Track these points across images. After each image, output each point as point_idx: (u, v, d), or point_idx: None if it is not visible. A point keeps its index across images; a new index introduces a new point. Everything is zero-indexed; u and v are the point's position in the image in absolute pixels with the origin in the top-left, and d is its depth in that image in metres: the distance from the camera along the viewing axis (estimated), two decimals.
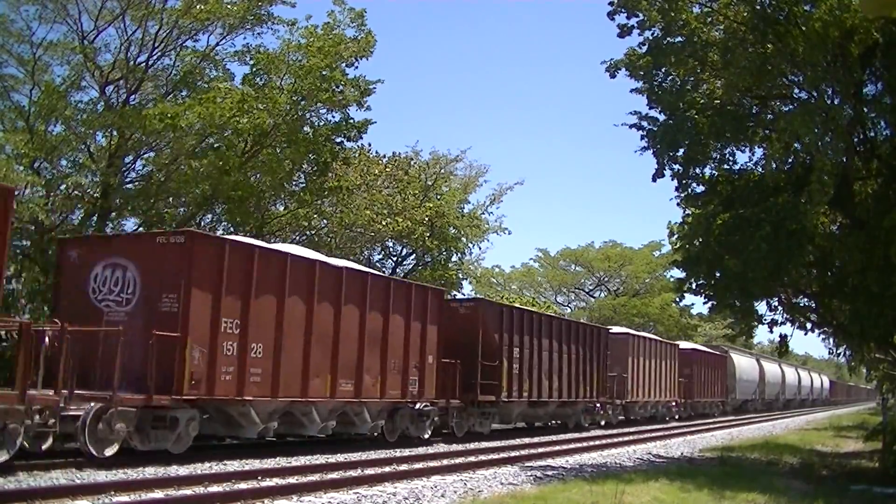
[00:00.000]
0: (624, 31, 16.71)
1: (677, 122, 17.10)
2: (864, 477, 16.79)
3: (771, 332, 20.60)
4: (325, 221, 28.58)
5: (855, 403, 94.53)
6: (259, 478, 11.79)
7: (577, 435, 24.36)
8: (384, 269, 32.47)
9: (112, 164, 22.36)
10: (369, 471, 13.23)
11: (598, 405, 28.59)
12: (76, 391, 12.05)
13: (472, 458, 15.98)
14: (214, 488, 10.71)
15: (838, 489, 14.52)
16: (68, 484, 10.23)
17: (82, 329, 12.77)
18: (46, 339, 12.44)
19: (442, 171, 34.47)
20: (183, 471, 12.00)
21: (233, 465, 13.04)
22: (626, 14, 16.57)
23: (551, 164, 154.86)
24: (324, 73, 23.50)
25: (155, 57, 23.30)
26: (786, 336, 21.10)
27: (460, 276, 35.09)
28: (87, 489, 9.87)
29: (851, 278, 16.66)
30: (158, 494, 10.06)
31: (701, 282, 18.67)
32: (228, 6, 23.01)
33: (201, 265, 13.59)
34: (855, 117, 15.91)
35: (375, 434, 17.97)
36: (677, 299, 29.12)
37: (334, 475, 12.43)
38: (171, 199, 23.75)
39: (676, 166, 17.43)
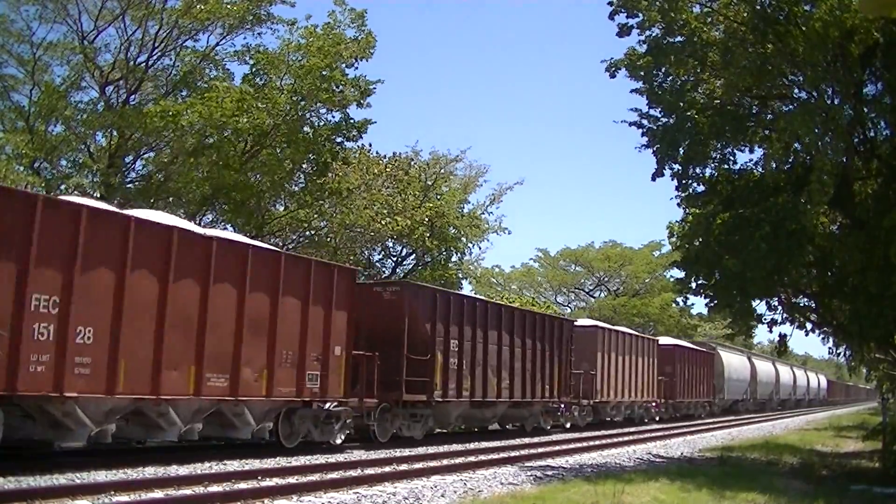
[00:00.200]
0: (624, 31, 16.71)
1: (677, 122, 17.11)
2: (864, 477, 16.79)
3: (770, 331, 20.60)
4: (324, 222, 28.60)
5: (854, 403, 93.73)
6: (259, 478, 11.78)
7: (577, 435, 24.31)
8: (384, 269, 32.52)
9: (112, 164, 22.40)
10: (369, 471, 13.22)
11: (563, 406, 26.01)
12: None
13: (472, 458, 15.97)
14: (214, 488, 10.70)
15: (838, 489, 14.52)
16: (68, 484, 10.23)
17: None
18: None
19: (442, 171, 34.49)
20: (183, 471, 12.00)
21: (233, 465, 13.04)
22: (626, 14, 16.57)
23: (551, 164, 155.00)
24: (324, 73, 23.53)
25: (155, 57, 23.37)
26: (785, 336, 21.10)
27: (460, 276, 35.13)
28: (87, 489, 9.87)
29: (851, 278, 16.66)
30: (158, 494, 10.05)
31: (701, 282, 18.67)
32: (228, 6, 23.04)
33: None
34: (855, 117, 15.92)
35: (264, 439, 15.28)
36: (678, 300, 28.62)
37: (334, 475, 12.42)
38: (170, 198, 23.78)
39: (676, 166, 17.43)
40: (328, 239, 28.84)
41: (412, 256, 34.08)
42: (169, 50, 23.53)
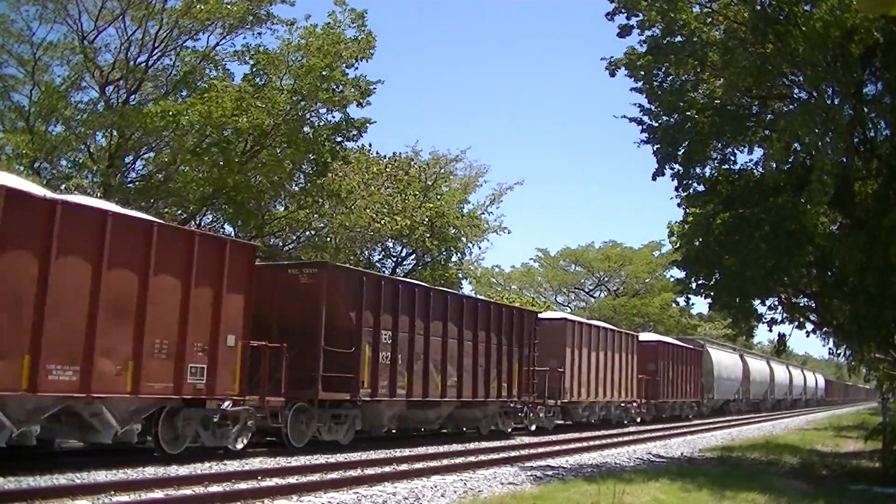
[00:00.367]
0: (624, 32, 16.71)
1: (677, 122, 17.11)
2: (864, 477, 16.79)
3: (770, 330, 20.59)
4: (324, 222, 28.62)
5: (853, 403, 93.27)
6: (259, 478, 11.78)
7: (577, 435, 24.26)
8: (384, 270, 32.51)
9: (112, 164, 22.41)
10: (369, 471, 13.22)
11: (528, 406, 23.61)
12: None
13: (472, 458, 15.96)
14: (214, 488, 10.70)
15: (838, 489, 14.52)
16: (68, 484, 10.23)
17: None
18: None
19: (442, 171, 34.52)
20: (183, 471, 12.00)
21: (233, 465, 13.03)
22: (625, 14, 16.57)
23: (551, 164, 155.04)
24: (324, 73, 23.54)
25: (155, 57, 23.37)
26: (784, 335, 21.09)
27: (460, 276, 35.16)
28: (87, 489, 9.88)
29: (851, 278, 16.65)
30: (158, 494, 10.05)
31: (701, 282, 18.67)
32: (228, 6, 23.04)
33: None
34: (855, 117, 15.92)
35: (138, 443, 13.08)
36: (678, 300, 28.47)
37: (334, 475, 12.42)
38: (171, 198, 23.79)
39: (677, 166, 17.44)
40: (328, 239, 28.85)
41: (412, 256, 34.12)
42: (169, 50, 23.54)
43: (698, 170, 18.05)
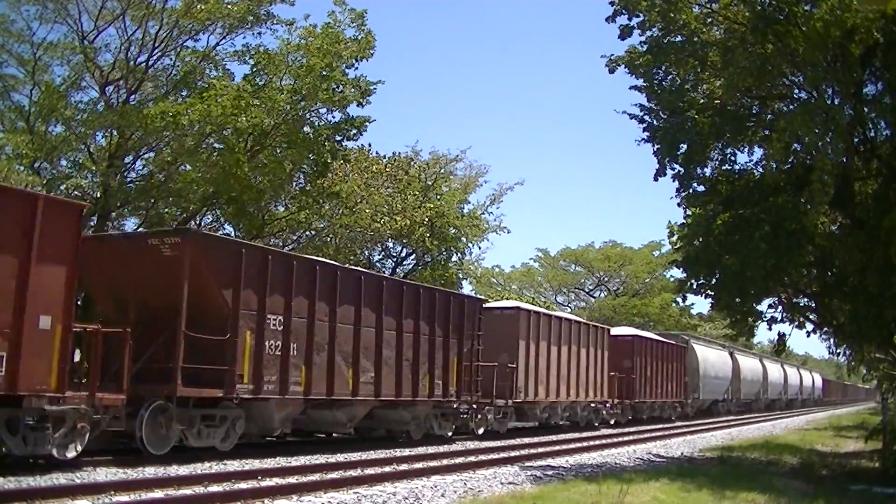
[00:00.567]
0: (624, 33, 16.71)
1: (678, 123, 17.12)
2: (864, 477, 16.80)
3: (770, 329, 20.58)
4: (325, 222, 28.62)
5: (852, 403, 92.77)
6: (259, 478, 11.79)
7: (577, 435, 24.23)
8: (384, 270, 32.53)
9: (112, 165, 22.40)
10: (369, 471, 13.23)
11: (472, 407, 20.66)
12: None
13: (472, 458, 15.97)
14: (214, 488, 10.71)
15: (838, 489, 14.54)
16: (68, 484, 10.24)
17: None
18: None
19: (442, 171, 34.52)
20: (183, 471, 12.01)
21: (233, 465, 13.04)
22: (626, 16, 16.59)
23: (551, 164, 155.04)
24: (323, 72, 23.54)
25: (155, 57, 23.36)
26: (784, 335, 21.10)
27: (460, 276, 35.16)
28: (87, 489, 9.88)
29: (851, 278, 16.67)
30: (158, 494, 10.06)
31: (701, 282, 18.67)
32: (228, 6, 23.04)
33: None
34: (855, 117, 15.93)
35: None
36: (678, 300, 28.24)
37: (334, 475, 12.43)
38: (171, 199, 23.78)
39: (678, 167, 17.45)
40: (328, 239, 28.85)
41: (412, 256, 34.13)
42: (169, 50, 23.53)
43: (698, 170, 18.08)
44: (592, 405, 27.86)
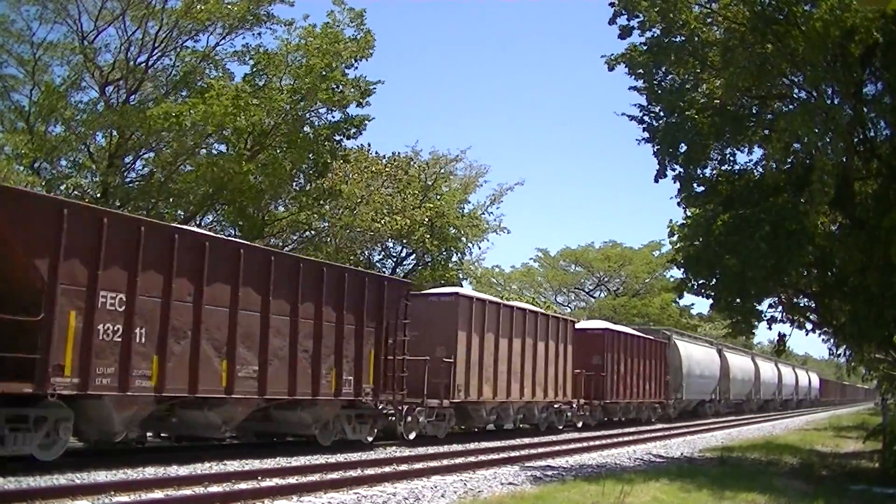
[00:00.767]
0: (624, 32, 16.72)
1: (677, 123, 17.13)
2: (864, 477, 16.80)
3: (770, 328, 20.59)
4: (325, 223, 28.63)
5: (851, 404, 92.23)
6: (259, 478, 11.78)
7: (577, 435, 24.21)
8: (384, 270, 32.53)
9: (112, 164, 22.43)
10: (369, 471, 13.22)
11: (398, 408, 17.72)
12: None
13: (472, 458, 15.96)
14: (214, 488, 10.70)
15: (838, 489, 14.54)
16: (68, 484, 10.23)
17: None
18: None
19: (442, 171, 34.52)
20: (183, 471, 12.00)
21: (233, 465, 13.03)
22: (626, 16, 16.59)
23: (552, 164, 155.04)
24: (323, 72, 23.55)
25: (155, 57, 23.41)
26: (784, 335, 21.11)
27: (460, 276, 35.16)
28: (87, 489, 9.88)
29: (851, 278, 16.68)
30: (158, 494, 10.06)
31: (701, 282, 18.68)
32: (228, 6, 23.08)
33: None
34: (855, 117, 15.93)
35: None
36: (677, 299, 28.20)
37: (334, 475, 12.42)
38: (171, 199, 23.80)
39: (677, 167, 17.45)
40: (328, 239, 28.86)
41: (412, 256, 34.13)
42: (169, 50, 23.57)
43: (698, 170, 18.08)
44: (555, 406, 24.95)
